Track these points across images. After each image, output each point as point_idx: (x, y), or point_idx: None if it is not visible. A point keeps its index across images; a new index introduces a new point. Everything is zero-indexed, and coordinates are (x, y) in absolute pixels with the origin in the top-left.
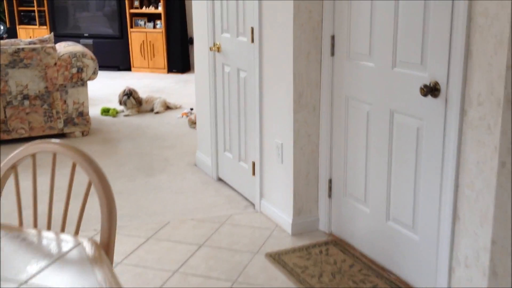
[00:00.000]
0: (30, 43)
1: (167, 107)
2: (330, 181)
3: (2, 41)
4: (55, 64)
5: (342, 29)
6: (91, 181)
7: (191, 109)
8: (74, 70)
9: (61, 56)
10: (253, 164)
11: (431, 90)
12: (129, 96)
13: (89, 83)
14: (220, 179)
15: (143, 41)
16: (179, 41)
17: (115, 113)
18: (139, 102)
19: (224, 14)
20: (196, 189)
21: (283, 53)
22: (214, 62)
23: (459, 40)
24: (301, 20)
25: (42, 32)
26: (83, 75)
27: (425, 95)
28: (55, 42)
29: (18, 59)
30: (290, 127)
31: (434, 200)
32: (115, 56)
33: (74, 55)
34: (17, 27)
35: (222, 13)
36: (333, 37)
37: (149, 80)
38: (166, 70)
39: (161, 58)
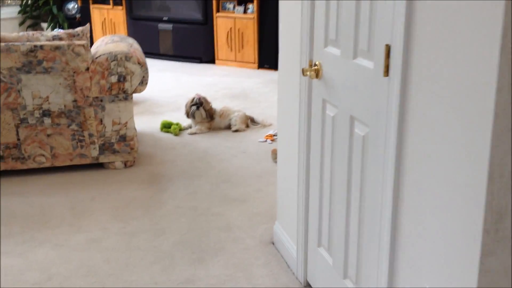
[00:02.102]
0: (54, 38)
1: (249, 123)
2: None
3: (15, 34)
4: (88, 69)
5: None
6: None
7: None
8: (114, 79)
9: (96, 58)
10: None
11: None
12: (199, 107)
13: (157, 80)
14: (309, 285)
15: (230, 28)
16: (273, 30)
17: (178, 131)
18: (210, 115)
19: (333, 15)
20: None
21: (461, 111)
22: (309, 94)
23: None
24: None
25: (116, 14)
26: (126, 85)
27: None
28: (129, 26)
29: (35, 61)
30: (467, 277)
31: None
32: (197, 46)
33: (114, 57)
34: (91, 6)
35: (328, 12)
36: None
37: (234, 78)
38: (256, 65)
39: (251, 50)
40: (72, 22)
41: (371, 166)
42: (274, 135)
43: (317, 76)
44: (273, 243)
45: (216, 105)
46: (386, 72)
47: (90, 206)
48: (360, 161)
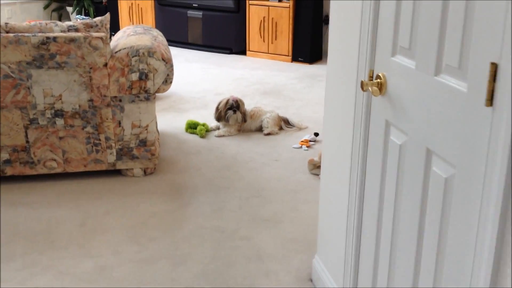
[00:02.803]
0: (69, 28)
1: (282, 125)
2: None
3: (26, 24)
4: (106, 65)
5: None
6: None
7: (316, 134)
8: (135, 76)
9: (115, 53)
10: None
11: None
12: (236, 111)
13: (184, 71)
14: None
15: (264, 17)
16: (310, 20)
17: (204, 132)
18: (244, 118)
19: (406, 17)
20: None
21: None
22: (367, 112)
23: None
24: None
25: (143, 3)
26: (149, 84)
27: None
28: (157, 13)
29: (47, 55)
30: None
31: None
32: (227, 35)
33: (135, 52)
34: None
35: (399, 12)
36: None
37: (266, 71)
38: (290, 58)
39: (285, 41)
40: (99, 7)
41: (457, 218)
42: (310, 141)
43: (380, 91)
44: (312, 281)
45: (247, 102)
46: (490, 100)
47: (103, 223)
48: (440, 210)
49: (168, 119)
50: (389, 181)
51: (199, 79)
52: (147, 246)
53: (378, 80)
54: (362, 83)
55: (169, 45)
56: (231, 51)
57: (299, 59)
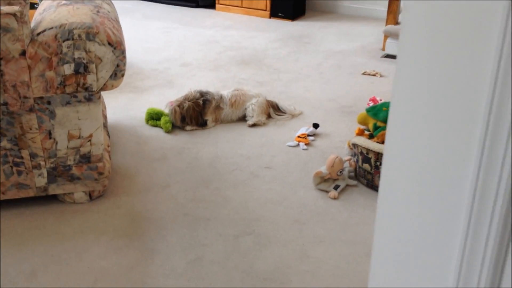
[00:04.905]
0: None
1: (271, 112)
2: None
3: None
4: (24, 53)
5: None
6: None
7: (315, 126)
8: (68, 69)
9: (37, 35)
10: None
11: None
12: (185, 119)
13: (142, 33)
14: None
15: None
16: None
17: (170, 126)
18: (201, 123)
19: None
20: None
21: None
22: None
23: None
24: None
25: None
26: (90, 79)
27: None
28: None
29: None
30: None
31: None
32: None
33: (67, 33)
34: None
35: None
36: None
37: (241, 31)
38: (268, 13)
39: None
40: None
41: None
42: (308, 135)
43: None
44: None
45: (222, 75)
46: None
47: None
48: None
49: (123, 105)
50: None
51: (160, 44)
52: None
53: None
54: None
55: None
56: (197, 5)
57: (279, 14)
